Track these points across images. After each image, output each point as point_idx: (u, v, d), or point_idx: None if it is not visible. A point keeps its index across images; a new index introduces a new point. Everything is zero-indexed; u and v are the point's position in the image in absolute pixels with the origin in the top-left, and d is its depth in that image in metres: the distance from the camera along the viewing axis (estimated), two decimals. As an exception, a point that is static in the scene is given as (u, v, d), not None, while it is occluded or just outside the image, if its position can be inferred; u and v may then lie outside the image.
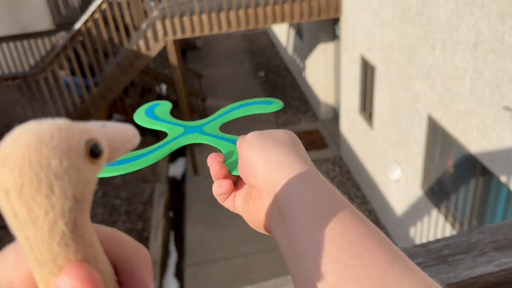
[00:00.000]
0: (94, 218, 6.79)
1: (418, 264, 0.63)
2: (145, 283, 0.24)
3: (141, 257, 0.25)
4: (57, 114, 6.56)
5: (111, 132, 0.22)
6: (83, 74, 6.55)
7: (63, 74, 6.36)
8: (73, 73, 6.55)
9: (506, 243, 0.65)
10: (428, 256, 0.64)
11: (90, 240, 0.21)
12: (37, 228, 0.18)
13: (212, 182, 0.47)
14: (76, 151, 0.19)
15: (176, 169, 8.19)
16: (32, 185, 0.18)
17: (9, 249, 0.22)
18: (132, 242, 0.25)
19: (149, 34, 6.38)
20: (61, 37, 6.47)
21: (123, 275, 0.24)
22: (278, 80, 11.46)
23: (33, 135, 0.18)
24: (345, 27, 6.77)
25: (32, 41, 8.09)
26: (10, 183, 0.18)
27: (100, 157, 0.20)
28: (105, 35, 6.30)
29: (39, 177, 0.18)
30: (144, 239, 6.25)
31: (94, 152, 0.20)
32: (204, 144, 0.57)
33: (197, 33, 6.46)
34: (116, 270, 0.24)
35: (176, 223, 6.98)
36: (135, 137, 0.24)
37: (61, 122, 0.19)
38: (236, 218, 6.75)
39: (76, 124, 0.20)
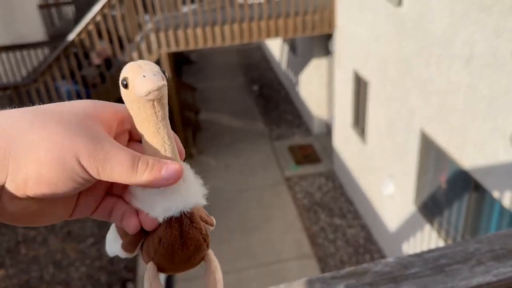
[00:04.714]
0: (85, 230, 6.68)
1: (413, 274, 0.61)
2: (182, 149, 0.44)
3: (177, 137, 0.43)
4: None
5: None
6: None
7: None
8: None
9: (504, 253, 0.63)
10: (424, 266, 0.62)
11: (172, 134, 0.41)
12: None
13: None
14: None
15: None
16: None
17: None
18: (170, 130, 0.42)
19: (143, 46, 6.38)
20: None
21: None
22: (272, 94, 11.49)
23: None
24: (339, 42, 6.82)
25: (25, 52, 8.05)
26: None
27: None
28: (98, 47, 6.29)
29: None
30: (134, 253, 6.14)
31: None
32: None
33: (191, 46, 6.47)
34: None
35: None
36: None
37: None
38: (230, 233, 6.66)
39: None
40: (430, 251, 0.65)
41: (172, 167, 0.39)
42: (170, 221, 0.40)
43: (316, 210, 7.02)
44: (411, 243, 5.42)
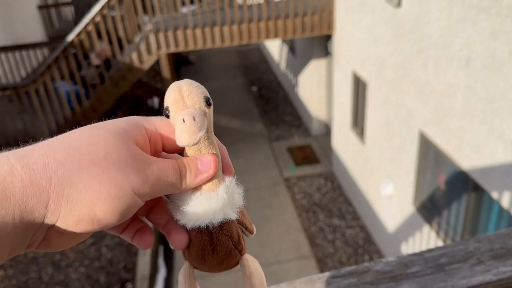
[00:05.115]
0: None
1: (414, 272, 0.62)
2: (230, 165, 0.44)
3: (225, 150, 0.44)
4: (47, 126, 6.50)
5: None
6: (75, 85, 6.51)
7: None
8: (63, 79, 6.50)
9: (504, 252, 0.64)
10: (425, 265, 0.62)
11: (216, 145, 0.41)
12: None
13: None
14: None
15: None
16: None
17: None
18: (220, 143, 0.44)
19: (142, 47, 6.38)
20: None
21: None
22: (271, 95, 11.50)
23: None
24: (338, 43, 6.83)
25: (24, 53, 8.05)
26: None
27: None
28: (98, 48, 6.29)
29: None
30: (132, 254, 6.15)
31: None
32: None
33: (191, 47, 6.48)
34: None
35: (165, 238, 6.87)
36: None
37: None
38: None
39: None
40: (430, 250, 0.65)
41: (205, 159, 0.40)
42: (201, 227, 0.42)
43: (315, 211, 7.03)
44: (410, 244, 5.43)
